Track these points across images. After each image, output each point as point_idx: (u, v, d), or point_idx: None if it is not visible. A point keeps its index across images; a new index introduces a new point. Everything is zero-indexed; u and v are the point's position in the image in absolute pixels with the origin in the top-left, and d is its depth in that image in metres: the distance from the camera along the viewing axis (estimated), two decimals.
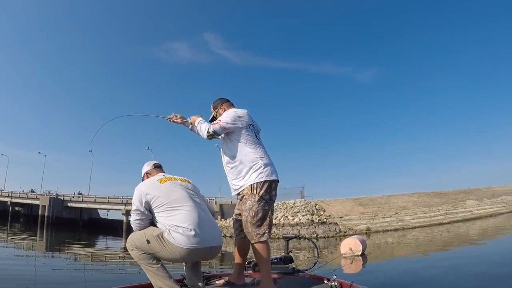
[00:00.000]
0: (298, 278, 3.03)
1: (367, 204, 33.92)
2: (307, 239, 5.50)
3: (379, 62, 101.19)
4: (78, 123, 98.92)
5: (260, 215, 2.54)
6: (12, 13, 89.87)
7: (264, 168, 2.64)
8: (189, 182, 2.59)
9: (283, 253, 3.45)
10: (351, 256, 11.75)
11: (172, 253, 2.21)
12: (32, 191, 53.70)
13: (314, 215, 30.08)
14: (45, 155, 59.70)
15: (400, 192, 39.03)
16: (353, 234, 21.32)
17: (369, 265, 10.48)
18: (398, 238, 21.03)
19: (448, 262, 9.86)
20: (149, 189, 2.36)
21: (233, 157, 2.71)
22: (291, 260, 3.37)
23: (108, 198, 46.51)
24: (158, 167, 2.73)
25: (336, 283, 2.50)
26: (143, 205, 2.32)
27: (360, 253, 11.97)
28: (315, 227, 27.65)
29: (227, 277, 2.87)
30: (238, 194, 2.72)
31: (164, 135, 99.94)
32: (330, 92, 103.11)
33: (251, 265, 3.15)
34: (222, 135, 2.78)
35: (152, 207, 2.32)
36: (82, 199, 48.26)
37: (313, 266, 3.50)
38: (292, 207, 32.21)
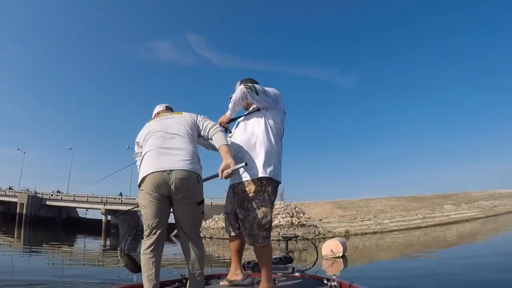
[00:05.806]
0: (298, 278, 3.04)
1: (346, 207, 34.22)
2: (307, 239, 5.57)
3: (362, 67, 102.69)
4: (58, 120, 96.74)
5: (269, 217, 2.37)
6: None
7: (277, 166, 2.45)
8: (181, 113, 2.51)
9: (283, 253, 3.47)
10: (332, 257, 11.93)
11: (143, 196, 2.12)
12: (10, 188, 51.63)
13: (294, 218, 30.21)
14: (24, 152, 58.32)
15: (379, 196, 39.52)
16: (333, 237, 21.57)
17: (350, 267, 10.66)
18: (377, 241, 21.40)
19: (427, 264, 10.16)
20: (138, 138, 2.47)
21: (255, 134, 2.45)
22: (290, 260, 3.36)
23: (88, 197, 45.60)
24: (169, 109, 2.74)
25: (335, 283, 2.50)
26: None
27: (341, 255, 12.18)
28: (294, 229, 27.68)
29: (225, 277, 2.81)
30: (235, 185, 2.47)
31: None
32: (311, 95, 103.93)
33: (251, 265, 3.12)
34: (254, 107, 2.52)
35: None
36: (61, 197, 47.18)
37: (312, 266, 3.54)
38: None
